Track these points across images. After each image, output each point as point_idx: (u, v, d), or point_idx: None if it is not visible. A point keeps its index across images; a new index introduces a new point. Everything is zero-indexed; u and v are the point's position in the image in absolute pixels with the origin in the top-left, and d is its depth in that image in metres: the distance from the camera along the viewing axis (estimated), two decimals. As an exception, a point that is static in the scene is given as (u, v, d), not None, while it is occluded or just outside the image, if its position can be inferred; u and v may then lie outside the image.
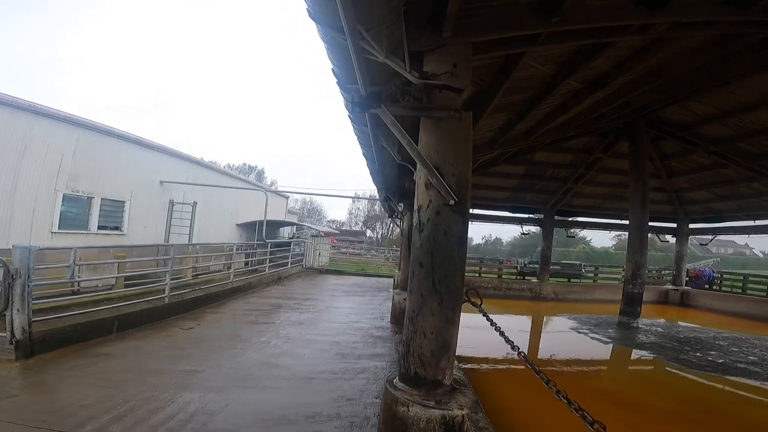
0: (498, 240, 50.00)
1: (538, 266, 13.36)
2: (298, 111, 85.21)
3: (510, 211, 13.10)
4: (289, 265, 14.30)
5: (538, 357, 6.89)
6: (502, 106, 5.59)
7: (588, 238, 40.95)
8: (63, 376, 4.16)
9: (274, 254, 13.19)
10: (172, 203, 13.82)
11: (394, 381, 2.78)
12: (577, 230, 19.36)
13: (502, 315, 10.76)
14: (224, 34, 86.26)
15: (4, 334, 4.47)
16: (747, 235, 12.16)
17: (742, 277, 13.02)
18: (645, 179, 8.93)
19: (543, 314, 10.82)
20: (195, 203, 13.82)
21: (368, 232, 47.75)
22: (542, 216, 12.90)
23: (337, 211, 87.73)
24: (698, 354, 6.85)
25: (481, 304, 3.33)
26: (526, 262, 16.77)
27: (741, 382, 5.56)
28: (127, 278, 8.88)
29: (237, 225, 18.40)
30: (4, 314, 4.43)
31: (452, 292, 2.66)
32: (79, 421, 3.16)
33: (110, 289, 8.28)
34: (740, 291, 12.58)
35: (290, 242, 16.26)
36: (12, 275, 4.31)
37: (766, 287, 11.80)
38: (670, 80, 5.91)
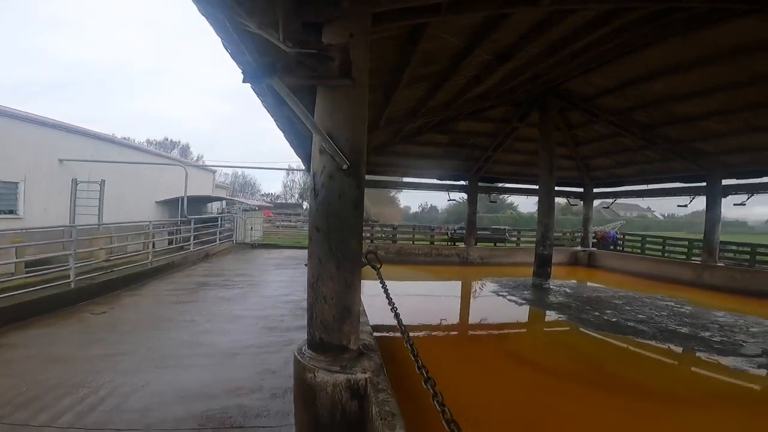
0: (434, 208, 51.64)
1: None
2: (226, 85, 79.38)
3: (438, 179, 13.57)
4: (217, 242, 13.76)
5: (458, 320, 7.42)
6: (419, 76, 5.69)
7: (515, 204, 43.73)
8: None
9: (200, 231, 12.59)
10: (75, 182, 12.57)
11: (303, 349, 2.86)
12: (502, 196, 20.59)
13: (430, 281, 11.36)
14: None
15: None
16: (643, 198, 13.59)
17: (640, 238, 14.06)
18: (552, 147, 9.68)
19: (468, 278, 11.50)
20: (103, 181, 12.65)
21: (305, 204, 47.02)
22: (467, 183, 13.53)
23: (273, 185, 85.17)
24: (596, 313, 7.47)
25: (380, 267, 3.47)
26: (456, 228, 17.57)
27: (630, 340, 6.04)
28: (27, 264, 8.08)
29: (157, 202, 17.20)
30: None
31: (349, 256, 2.74)
32: None
33: (10, 277, 7.47)
34: (639, 251, 13.52)
35: (218, 218, 15.55)
36: None
37: (661, 248, 12.82)
38: (571, 53, 6.35)
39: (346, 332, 2.75)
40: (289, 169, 44.87)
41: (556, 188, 10.31)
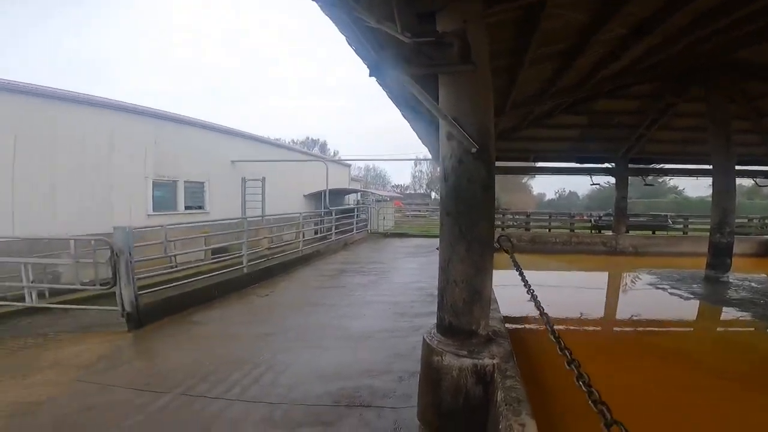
0: (573, 194, 47.02)
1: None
2: (354, 82, 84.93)
3: (577, 162, 12.29)
4: (354, 231, 14.94)
5: (604, 314, 6.67)
6: (542, 57, 5.23)
7: (680, 188, 36.94)
8: (165, 343, 4.78)
9: (340, 221, 13.84)
10: (244, 180, 14.97)
11: (432, 332, 2.93)
12: (663, 178, 17.60)
13: (569, 271, 10.43)
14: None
15: (115, 308, 5.15)
16: None
17: None
18: (727, 122, 7.89)
19: (616, 269, 10.23)
20: (264, 178, 14.81)
21: (432, 194, 47.54)
22: (614, 165, 11.95)
23: (401, 176, 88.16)
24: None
25: (513, 252, 3.33)
26: (602, 215, 15.74)
27: None
28: (213, 252, 9.96)
29: (304, 196, 19.42)
30: (113, 290, 5.14)
31: (480, 239, 2.70)
32: (176, 382, 3.63)
33: (200, 263, 9.35)
34: None
35: (354, 209, 16.87)
36: (116, 253, 5.04)
37: None
38: (736, 21, 5.08)
39: (475, 317, 2.73)
40: (416, 160, 45.85)
41: (738, 167, 8.40)
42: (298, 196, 18.88)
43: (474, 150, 2.58)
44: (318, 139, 56.68)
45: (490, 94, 2.69)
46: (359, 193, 25.92)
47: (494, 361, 2.52)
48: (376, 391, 3.48)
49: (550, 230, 13.49)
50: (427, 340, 2.84)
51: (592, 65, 6.20)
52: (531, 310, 6.05)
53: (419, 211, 29.67)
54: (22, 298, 5.97)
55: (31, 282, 5.98)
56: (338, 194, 21.29)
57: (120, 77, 66.64)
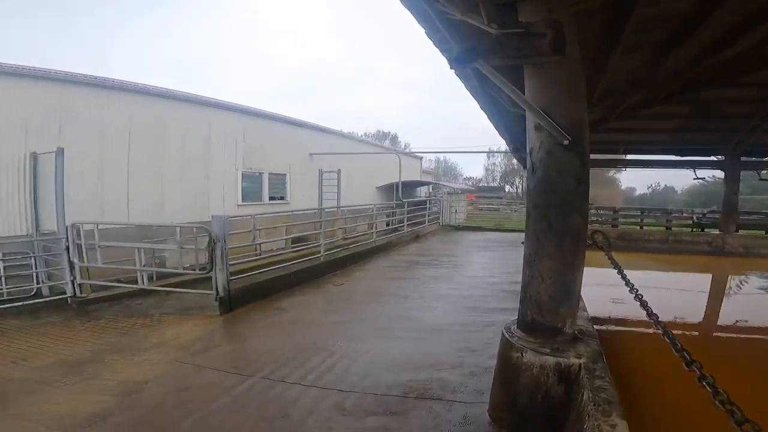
0: (669, 188, 42.36)
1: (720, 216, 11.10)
2: (424, 75, 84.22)
3: (678, 155, 11.03)
4: (426, 223, 14.94)
5: (710, 319, 5.99)
6: (636, 45, 4.76)
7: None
8: (251, 327, 5.13)
9: (412, 213, 13.92)
10: (321, 172, 15.65)
11: (512, 328, 2.87)
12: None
13: (665, 271, 9.47)
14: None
15: (210, 292, 5.60)
16: None
17: None
18: None
19: (723, 271, 9.09)
20: (339, 171, 15.35)
21: (506, 187, 45.77)
22: (722, 158, 10.53)
23: (474, 169, 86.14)
24: None
25: (608, 247, 3.12)
26: (705, 212, 14.03)
27: None
28: (293, 241, 10.57)
29: (377, 188, 19.79)
30: (209, 275, 5.63)
31: (571, 234, 2.60)
32: (259, 366, 3.85)
33: (281, 251, 9.98)
34: None
35: (426, 201, 16.85)
36: (213, 240, 5.53)
37: None
38: None
39: (562, 314, 2.64)
40: (489, 152, 44.33)
41: None
42: (371, 188, 19.29)
43: (566, 142, 2.48)
44: (389, 132, 57.24)
45: (581, 84, 2.58)
46: (430, 186, 25.80)
47: (581, 361, 2.42)
48: (446, 385, 3.48)
49: (641, 227, 12.30)
50: (506, 336, 2.79)
51: (696, 53, 5.51)
52: (618, 311, 5.69)
53: (492, 204, 28.75)
54: (134, 281, 6.75)
55: (143, 266, 6.76)
56: (410, 186, 21.38)
57: (209, 75, 73.05)
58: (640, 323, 5.19)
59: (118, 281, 6.63)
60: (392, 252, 10.75)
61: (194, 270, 6.33)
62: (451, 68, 2.38)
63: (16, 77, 7.52)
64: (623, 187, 42.17)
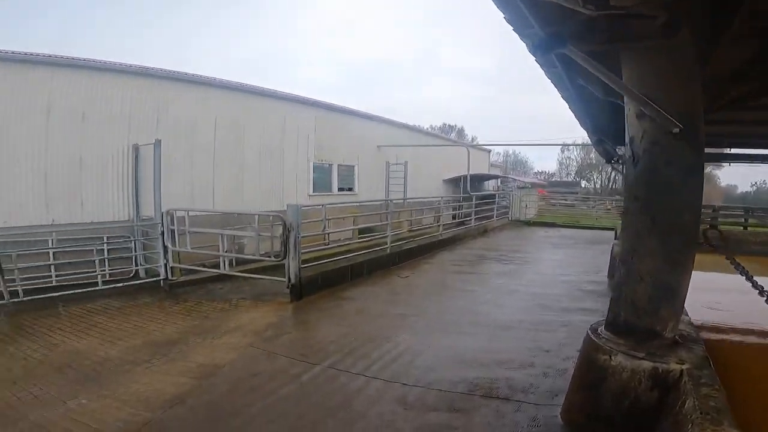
0: (778, 186, 36.95)
1: None
2: (490, 66, 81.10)
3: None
4: (494, 218, 14.47)
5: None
6: (748, 32, 4.13)
7: None
8: (318, 316, 5.28)
9: (480, 207, 13.55)
10: (388, 164, 15.74)
11: (599, 329, 2.70)
12: None
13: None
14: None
15: (282, 279, 5.81)
16: None
17: None
18: None
19: None
20: (406, 162, 15.34)
21: (583, 183, 42.87)
22: None
23: (545, 163, 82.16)
24: None
25: (726, 248, 2.78)
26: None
27: None
28: (359, 231, 10.78)
29: (443, 181, 19.49)
30: (283, 262, 5.85)
31: (678, 231, 2.38)
32: (326, 354, 3.93)
33: (348, 241, 10.19)
34: None
35: (495, 195, 16.29)
36: (288, 229, 5.76)
37: None
38: None
39: (662, 317, 2.44)
40: (564, 145, 41.73)
41: None
42: (437, 181, 19.05)
43: (676, 130, 2.26)
44: (455, 125, 56.19)
45: (695, 69, 2.33)
46: (499, 179, 24.92)
47: (683, 367, 2.22)
48: (515, 384, 3.34)
49: (745, 227, 10.86)
50: (592, 337, 2.63)
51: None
52: (720, 318, 5.06)
53: (565, 199, 27.07)
54: (216, 266, 7.23)
55: (225, 251, 7.21)
56: (478, 180, 20.79)
57: (277, 71, 76.32)
58: (750, 332, 4.62)
59: (203, 266, 7.15)
60: (459, 246, 10.56)
61: (269, 257, 6.66)
62: (533, 54, 2.23)
63: (122, 74, 8.38)
64: (723, 185, 37.54)
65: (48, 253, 6.83)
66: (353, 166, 14.28)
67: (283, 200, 10.72)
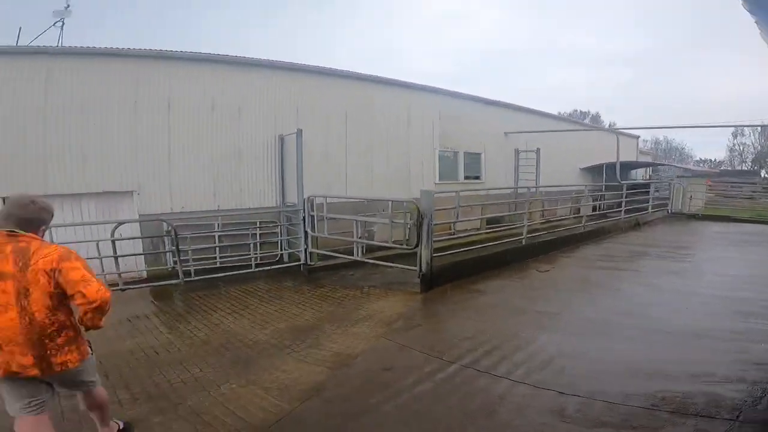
0: None
1: None
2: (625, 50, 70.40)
3: None
4: (649, 210, 12.44)
5: None
6: None
7: None
8: (449, 308, 4.89)
9: (630, 198, 11.73)
10: (517, 152, 14.76)
11: None
12: None
13: None
14: None
15: (413, 268, 5.59)
16: None
17: None
18: None
19: None
20: (538, 149, 14.15)
21: (762, 172, 34.81)
22: None
23: (708, 150, 68.89)
24: None
25: None
26: None
27: None
28: (487, 221, 10.18)
29: (580, 169, 17.54)
30: (414, 251, 5.57)
31: None
32: (460, 352, 3.56)
33: (476, 232, 9.66)
34: None
35: (649, 184, 13.96)
36: (421, 216, 5.48)
37: None
38: None
39: None
40: (737, 126, 34.12)
41: None
42: (573, 169, 17.23)
43: None
44: (588, 111, 50.70)
45: None
46: (650, 168, 21.47)
47: None
48: (720, 401, 2.65)
49: None
50: None
51: None
52: None
53: (741, 190, 22.03)
54: (348, 252, 7.37)
55: (359, 238, 7.26)
56: (624, 168, 18.23)
57: (397, 61, 77.73)
58: None
59: (337, 252, 7.37)
60: (606, 240, 9.20)
61: (401, 245, 6.51)
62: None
63: (269, 69, 9.20)
64: None
65: (214, 236, 7.85)
66: (479, 154, 13.76)
67: (410, 188, 10.89)
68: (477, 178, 13.63)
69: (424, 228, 5.52)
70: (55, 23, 9.06)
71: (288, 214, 8.42)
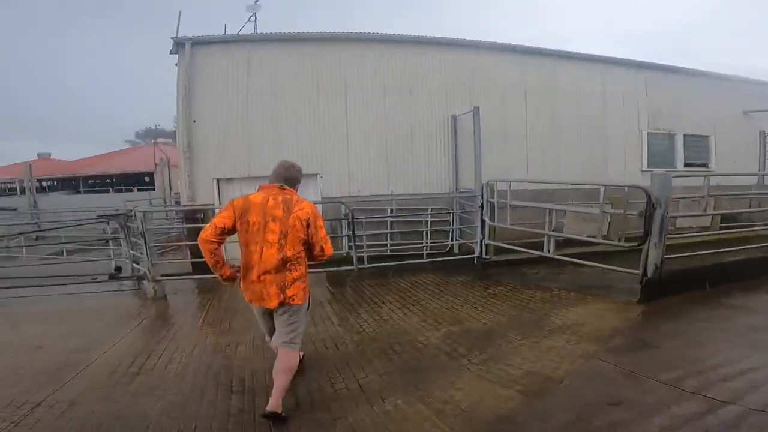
0: None
1: None
2: None
3: None
4: None
5: None
6: None
7: None
8: (695, 327, 3.73)
9: None
10: (762, 134, 11.23)
11: None
12: None
13: None
14: None
15: (634, 271, 4.41)
16: None
17: None
18: None
19: None
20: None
21: None
22: None
23: None
24: None
25: None
26: None
27: None
28: (721, 218, 7.69)
29: None
30: (639, 248, 4.33)
31: None
32: (736, 390, 2.52)
33: (704, 232, 7.32)
34: None
35: None
36: (653, 204, 4.14)
37: None
38: None
39: None
40: None
41: None
42: None
43: None
44: None
45: None
46: None
47: None
48: None
49: None
50: None
51: None
52: None
53: None
54: (532, 246, 6.06)
55: (552, 230, 5.90)
56: None
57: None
58: None
59: (519, 245, 6.30)
60: None
61: (616, 240, 5.10)
62: None
63: (438, 46, 8.68)
64: None
65: (386, 222, 7.64)
66: (707, 137, 10.99)
67: (607, 175, 9.35)
68: (704, 165, 10.89)
69: (656, 220, 4.20)
70: (249, 18, 10.07)
71: (462, 200, 7.73)
